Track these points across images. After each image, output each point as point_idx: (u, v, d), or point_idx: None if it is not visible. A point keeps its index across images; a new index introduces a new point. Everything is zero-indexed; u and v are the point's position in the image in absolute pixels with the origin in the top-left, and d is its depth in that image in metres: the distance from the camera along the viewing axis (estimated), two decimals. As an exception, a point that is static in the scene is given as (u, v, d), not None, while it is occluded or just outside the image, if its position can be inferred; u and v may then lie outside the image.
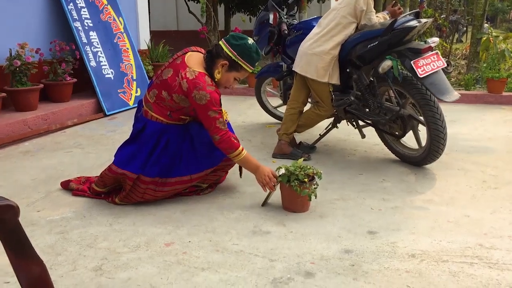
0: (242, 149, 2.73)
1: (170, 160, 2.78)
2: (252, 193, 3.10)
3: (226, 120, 2.85)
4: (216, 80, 2.74)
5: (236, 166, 3.27)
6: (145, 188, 2.79)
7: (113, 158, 2.88)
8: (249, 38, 2.75)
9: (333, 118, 4.11)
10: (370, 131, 4.26)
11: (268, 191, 2.84)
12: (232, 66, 2.74)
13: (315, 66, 3.55)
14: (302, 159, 2.99)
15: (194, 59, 2.74)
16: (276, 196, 2.96)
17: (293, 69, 3.75)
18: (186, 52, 2.81)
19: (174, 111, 2.76)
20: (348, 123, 4.01)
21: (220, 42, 2.75)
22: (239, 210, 2.85)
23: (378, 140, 4.15)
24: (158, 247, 2.38)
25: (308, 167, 2.79)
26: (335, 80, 3.56)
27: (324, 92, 3.63)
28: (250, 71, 2.76)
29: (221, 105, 2.69)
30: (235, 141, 2.72)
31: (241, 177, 3.09)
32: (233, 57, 2.72)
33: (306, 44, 3.62)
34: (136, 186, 2.79)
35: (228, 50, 2.72)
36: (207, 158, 2.86)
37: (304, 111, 3.87)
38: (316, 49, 3.54)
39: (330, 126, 4.09)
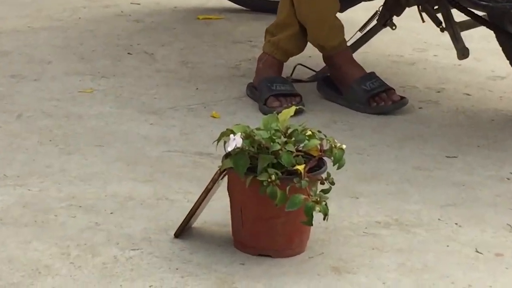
0: None
1: None
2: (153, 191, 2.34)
3: None
4: None
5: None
6: None
7: None
8: None
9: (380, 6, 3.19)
10: (476, 39, 3.28)
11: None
12: None
13: None
14: (294, 108, 2.14)
15: None
16: (219, 208, 2.11)
17: None
18: None
19: None
20: (425, 13, 3.08)
21: None
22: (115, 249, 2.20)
23: (495, 61, 3.24)
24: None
25: (308, 131, 1.93)
26: None
27: None
28: None
29: None
30: None
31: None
32: None
33: None
34: None
35: None
36: None
37: None
38: None
39: (375, 21, 3.15)
